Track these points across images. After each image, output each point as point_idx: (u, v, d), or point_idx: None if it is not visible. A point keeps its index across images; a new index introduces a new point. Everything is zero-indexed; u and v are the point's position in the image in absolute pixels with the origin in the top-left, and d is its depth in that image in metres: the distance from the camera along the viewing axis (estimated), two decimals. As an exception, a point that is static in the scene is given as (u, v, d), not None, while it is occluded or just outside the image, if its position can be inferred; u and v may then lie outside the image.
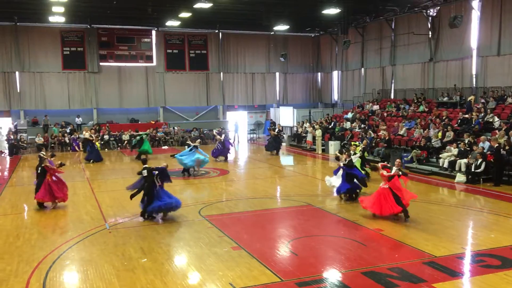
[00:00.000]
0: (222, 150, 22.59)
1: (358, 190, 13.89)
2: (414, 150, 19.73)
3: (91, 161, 23.03)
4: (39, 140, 28.03)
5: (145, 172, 11.90)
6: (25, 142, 27.81)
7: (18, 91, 30.39)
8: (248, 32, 34.94)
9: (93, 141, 24.24)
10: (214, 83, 34.99)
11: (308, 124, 29.73)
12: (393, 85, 29.79)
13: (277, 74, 36.97)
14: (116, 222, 11.97)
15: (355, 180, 13.69)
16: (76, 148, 27.71)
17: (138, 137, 24.16)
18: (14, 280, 8.20)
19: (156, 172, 11.87)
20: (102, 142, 28.30)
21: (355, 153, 15.59)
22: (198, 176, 18.64)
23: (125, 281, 8.15)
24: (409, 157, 19.65)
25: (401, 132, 22.40)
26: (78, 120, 31.23)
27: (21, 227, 11.70)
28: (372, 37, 30.96)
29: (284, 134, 28.96)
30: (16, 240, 10.58)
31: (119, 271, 8.58)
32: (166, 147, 29.65)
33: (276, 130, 26.95)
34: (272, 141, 25.47)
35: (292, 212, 13.10)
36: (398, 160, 12.73)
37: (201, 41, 34.45)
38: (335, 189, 14.06)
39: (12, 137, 26.94)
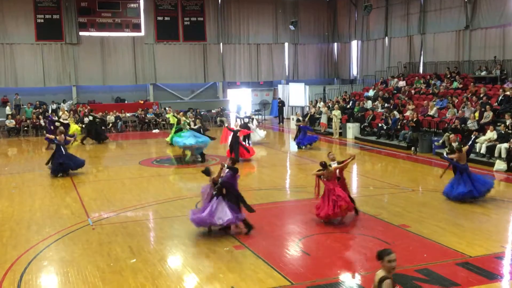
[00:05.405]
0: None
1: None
2: (447, 133, 19.63)
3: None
4: (10, 122, 28.14)
5: None
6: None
7: (-15, 65, 30.47)
8: (252, -5, 34.75)
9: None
10: (212, 56, 34.87)
11: (322, 103, 29.61)
12: (422, 57, 29.58)
13: (286, 45, 36.76)
14: (101, 217, 12.06)
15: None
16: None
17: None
18: (-16, 284, 8.32)
19: None
20: (82, 126, 28.31)
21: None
22: (193, 164, 18.71)
23: (112, 284, 8.25)
24: (441, 141, 19.62)
25: (431, 113, 22.32)
26: (67, 105, 30.39)
27: (-9, 223, 11.82)
28: (398, 0, 30.67)
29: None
30: (-15, 238, 10.70)
31: (105, 273, 8.68)
32: (157, 130, 29.68)
33: None
34: None
35: (304, 205, 13.12)
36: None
37: (197, 6, 34.24)
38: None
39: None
